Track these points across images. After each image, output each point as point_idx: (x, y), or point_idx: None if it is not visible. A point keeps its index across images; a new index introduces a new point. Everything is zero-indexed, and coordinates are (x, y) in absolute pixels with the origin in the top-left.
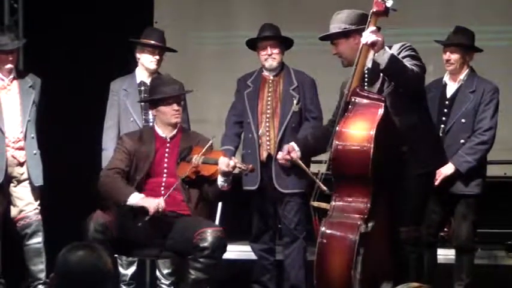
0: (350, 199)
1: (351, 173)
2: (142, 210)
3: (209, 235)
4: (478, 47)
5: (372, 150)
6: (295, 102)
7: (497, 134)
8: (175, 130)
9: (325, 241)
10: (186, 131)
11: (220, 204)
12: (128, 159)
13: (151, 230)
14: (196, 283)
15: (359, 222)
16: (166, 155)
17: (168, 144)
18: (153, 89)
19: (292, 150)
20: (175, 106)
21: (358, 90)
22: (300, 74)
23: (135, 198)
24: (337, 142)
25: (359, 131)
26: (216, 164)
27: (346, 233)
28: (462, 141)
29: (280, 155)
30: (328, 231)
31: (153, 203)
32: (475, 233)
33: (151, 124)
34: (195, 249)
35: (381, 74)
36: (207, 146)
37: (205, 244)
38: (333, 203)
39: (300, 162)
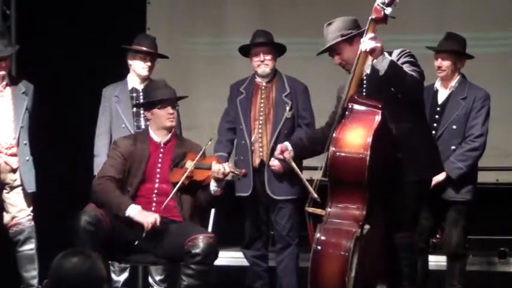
0: (346, 206)
1: (347, 180)
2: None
3: (201, 241)
4: (470, 53)
5: (368, 158)
6: (287, 108)
7: (489, 140)
8: (170, 135)
9: (320, 247)
10: (180, 138)
11: (213, 210)
12: (121, 164)
13: (141, 235)
14: None
15: (354, 229)
16: (159, 160)
17: (161, 150)
18: (148, 93)
19: (286, 150)
20: (169, 109)
21: (355, 96)
22: (292, 80)
23: (133, 211)
24: (333, 149)
25: (356, 138)
26: (209, 169)
27: (341, 240)
28: (453, 147)
29: (274, 154)
30: (323, 238)
31: (150, 219)
32: (467, 239)
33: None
34: (187, 255)
35: (380, 80)
36: (201, 152)
37: (197, 250)
38: (328, 209)
39: (293, 163)
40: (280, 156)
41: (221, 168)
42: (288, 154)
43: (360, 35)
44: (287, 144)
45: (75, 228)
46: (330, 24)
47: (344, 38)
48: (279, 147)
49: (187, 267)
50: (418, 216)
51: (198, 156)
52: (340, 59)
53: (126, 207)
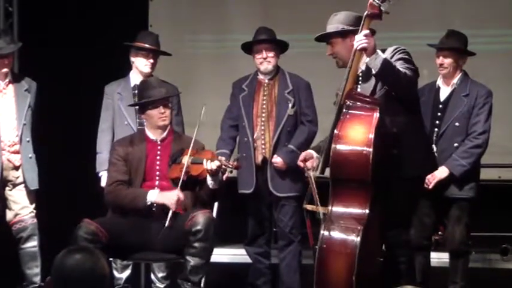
0: (348, 204)
1: (350, 177)
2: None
3: (200, 217)
4: (471, 50)
5: (371, 155)
6: (290, 105)
7: (491, 137)
8: (166, 132)
9: (326, 246)
10: (178, 134)
11: (215, 207)
12: (124, 166)
13: (143, 234)
14: (195, 269)
15: (359, 227)
16: (158, 157)
17: (159, 147)
18: (140, 93)
19: (310, 158)
20: (161, 109)
21: (353, 93)
22: (295, 77)
23: (153, 196)
24: (336, 146)
25: (358, 135)
26: (203, 163)
27: (347, 238)
28: (456, 144)
29: (298, 161)
30: (329, 236)
31: (172, 198)
32: (469, 236)
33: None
34: (189, 235)
35: (374, 77)
36: (193, 139)
37: (198, 227)
38: (330, 207)
39: (311, 173)
40: (301, 164)
41: (213, 162)
42: (311, 163)
43: (356, 32)
44: (312, 152)
45: (72, 244)
46: (336, 15)
47: (337, 31)
48: (303, 154)
49: (191, 246)
50: (412, 213)
51: (190, 150)
52: (331, 50)
53: (144, 196)
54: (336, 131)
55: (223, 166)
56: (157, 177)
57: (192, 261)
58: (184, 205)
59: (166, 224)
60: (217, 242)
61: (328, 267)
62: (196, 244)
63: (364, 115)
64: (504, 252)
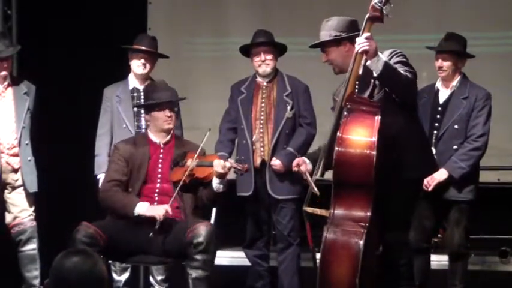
0: (351, 206)
1: (353, 180)
2: (148, 220)
3: (201, 229)
4: (471, 53)
5: (374, 158)
6: (288, 108)
7: (490, 140)
8: (169, 136)
9: (329, 249)
10: (180, 139)
11: (214, 210)
12: (124, 167)
13: (142, 237)
14: (197, 281)
15: (362, 230)
16: (160, 160)
17: (161, 150)
18: (147, 94)
19: (303, 163)
20: (167, 112)
21: (354, 96)
22: (293, 80)
23: (142, 209)
24: (338, 148)
25: (361, 138)
26: (211, 166)
27: (351, 241)
28: (455, 147)
29: (293, 166)
30: (332, 239)
31: (160, 211)
32: (468, 238)
33: (143, 131)
34: (190, 247)
35: (371, 80)
36: (201, 146)
37: (200, 239)
38: (332, 210)
39: (308, 176)
40: (296, 169)
41: (223, 164)
42: (305, 167)
43: (349, 38)
44: (304, 158)
45: (70, 247)
46: (328, 20)
47: (331, 39)
48: (296, 160)
49: (193, 259)
50: (411, 215)
51: (198, 151)
52: (326, 57)
53: (133, 206)
54: (338, 134)
55: (233, 169)
56: (158, 180)
57: (194, 274)
58: (184, 208)
59: (151, 235)
60: (216, 245)
61: (332, 270)
62: (197, 257)
63: (366, 118)
64: (503, 254)
